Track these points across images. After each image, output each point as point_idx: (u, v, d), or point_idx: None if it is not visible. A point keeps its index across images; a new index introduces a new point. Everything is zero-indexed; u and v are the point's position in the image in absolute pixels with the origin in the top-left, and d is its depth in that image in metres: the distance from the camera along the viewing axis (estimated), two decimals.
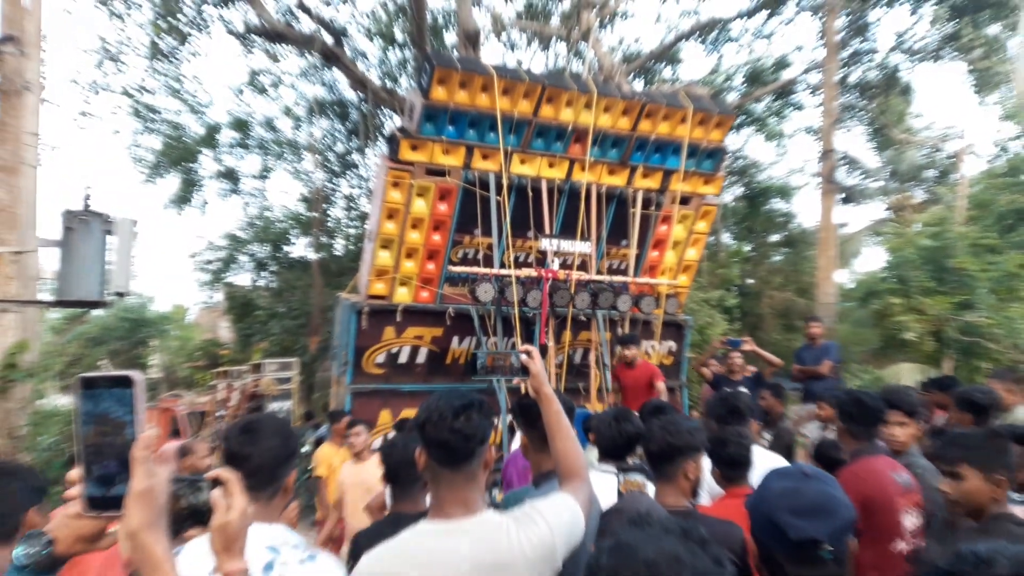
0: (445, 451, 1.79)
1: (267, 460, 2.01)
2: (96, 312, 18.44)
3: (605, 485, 2.91)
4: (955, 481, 2.54)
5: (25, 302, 7.50)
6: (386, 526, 2.79)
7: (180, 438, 12.14)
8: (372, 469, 5.75)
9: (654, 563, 1.07)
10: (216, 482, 1.39)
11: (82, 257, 6.07)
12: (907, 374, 11.89)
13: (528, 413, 2.43)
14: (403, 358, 7.39)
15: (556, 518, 1.79)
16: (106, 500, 1.22)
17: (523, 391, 2.28)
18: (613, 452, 3.12)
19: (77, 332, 19.77)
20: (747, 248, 20.21)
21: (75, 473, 1.26)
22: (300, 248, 20.01)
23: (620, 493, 2.76)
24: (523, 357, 2.22)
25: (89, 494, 1.24)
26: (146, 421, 1.24)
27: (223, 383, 14.03)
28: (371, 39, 18.03)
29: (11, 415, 7.47)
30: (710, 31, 18.55)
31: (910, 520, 2.99)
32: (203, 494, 1.38)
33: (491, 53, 19.76)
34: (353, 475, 5.65)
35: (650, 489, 2.74)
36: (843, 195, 18.91)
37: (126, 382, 1.23)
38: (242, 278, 20.38)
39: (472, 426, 1.79)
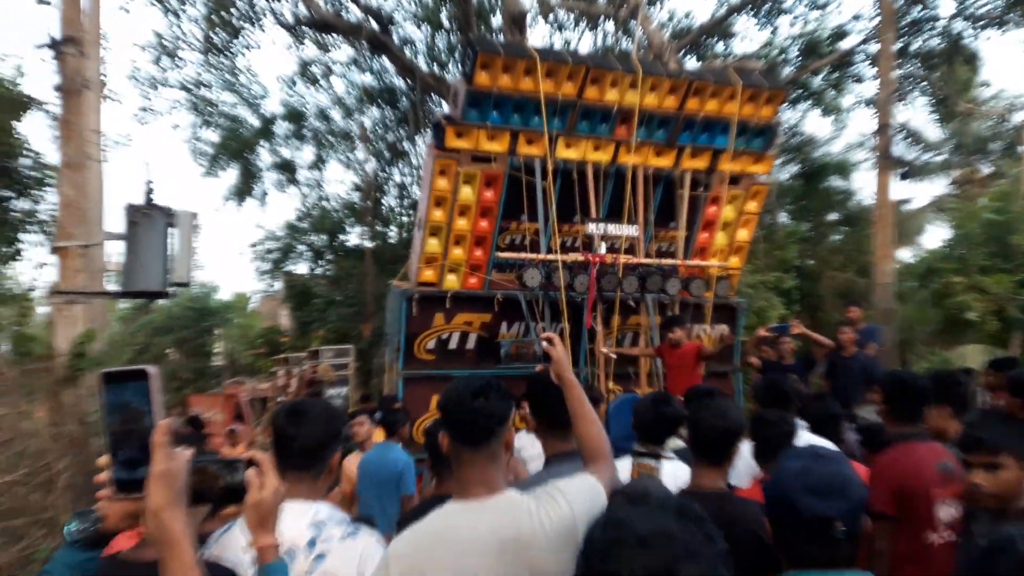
0: (466, 431, 1.86)
1: (312, 441, 2.14)
2: (162, 302, 19.12)
3: (672, 472, 2.94)
4: (992, 472, 2.40)
5: (92, 293, 7.83)
6: (430, 508, 2.86)
7: (243, 423, 12.52)
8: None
9: (646, 538, 1.10)
10: (251, 463, 1.52)
11: (145, 249, 6.31)
12: (973, 356, 11.52)
13: (538, 396, 2.46)
14: (453, 344, 7.47)
15: (577, 496, 1.82)
16: (131, 483, 1.34)
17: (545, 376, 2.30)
18: (653, 435, 3.13)
19: (143, 321, 20.50)
20: (804, 228, 19.69)
21: (104, 459, 1.38)
22: (355, 237, 20.33)
23: (632, 478, 2.78)
24: (545, 344, 2.25)
25: (117, 477, 1.36)
26: (162, 409, 1.36)
27: (283, 370, 14.40)
28: (418, 26, 18.11)
29: (81, 402, 7.81)
30: (763, 3, 18.03)
31: (946, 511, 2.85)
32: (239, 474, 1.52)
33: (538, 35, 19.65)
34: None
35: (674, 471, 2.74)
36: (902, 171, 18.28)
37: (143, 375, 1.35)
38: (300, 267, 20.83)
39: (491, 406, 1.85)
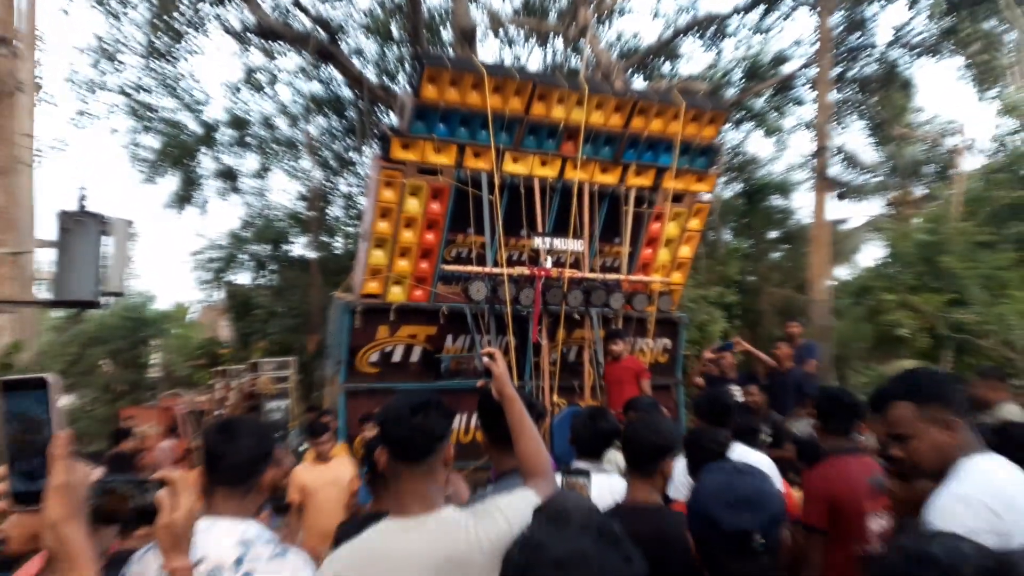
0: (405, 447, 1.85)
1: (242, 459, 2.10)
2: (96, 312, 18.49)
3: (608, 486, 2.95)
4: (903, 444, 2.45)
5: (20, 302, 7.54)
6: (367, 524, 2.83)
7: (179, 437, 12.18)
8: (343, 468, 5.81)
9: (562, 560, 1.11)
10: (162, 483, 1.45)
11: (77, 258, 6.09)
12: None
13: (487, 413, 2.46)
14: (397, 357, 7.40)
15: (515, 513, 1.82)
16: (29, 495, 1.28)
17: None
18: (590, 450, 3.16)
19: (76, 331, 19.80)
20: (747, 245, 20.16)
21: (1, 470, 1.32)
22: (299, 247, 20.05)
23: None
24: (486, 359, 2.26)
25: (14, 489, 1.31)
26: (62, 420, 1.31)
27: (221, 382, 14.08)
28: (367, 37, 18.03)
29: None
30: (708, 26, 18.50)
31: (878, 523, 2.92)
32: (149, 495, 1.45)
33: (488, 50, 19.75)
34: (320, 475, 5.69)
35: (610, 485, 2.76)
36: (838, 191, 18.86)
37: (42, 384, 1.31)
38: (243, 277, 20.45)
39: (431, 423, 1.86)
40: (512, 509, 1.84)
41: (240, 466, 2.10)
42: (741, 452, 3.46)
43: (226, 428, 2.18)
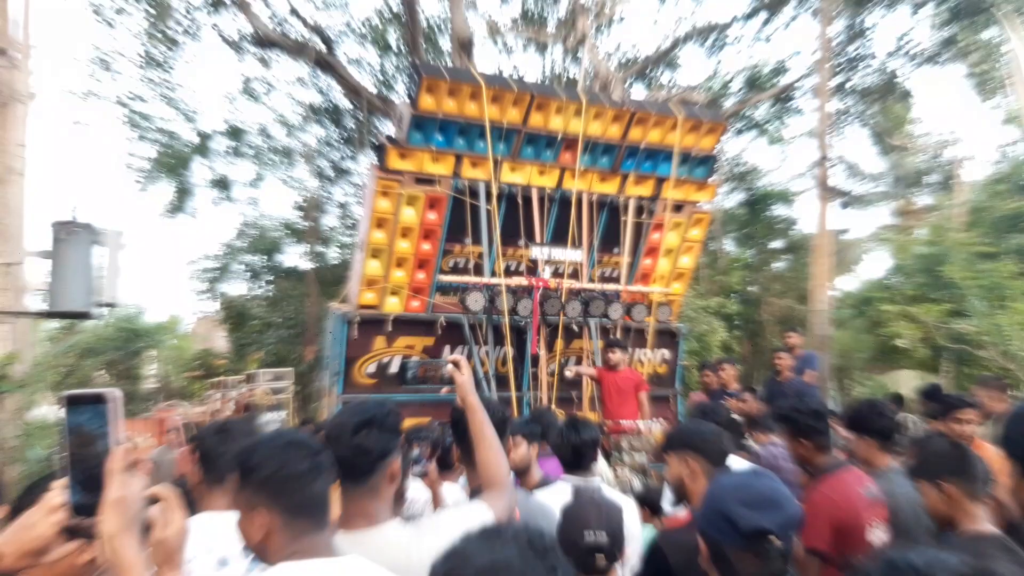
0: (346, 467, 1.84)
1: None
2: (91, 322, 18.41)
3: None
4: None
5: (13, 313, 7.45)
6: None
7: (176, 448, 12.07)
8: None
9: (484, 570, 1.10)
10: (155, 499, 1.47)
11: (70, 268, 6.02)
12: (906, 381, 11.83)
13: (460, 426, 2.43)
14: (394, 368, 7.32)
15: (463, 527, 1.77)
16: (86, 507, 1.35)
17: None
18: (574, 463, 3.05)
19: (70, 343, 19.71)
20: (748, 255, 20.10)
21: (60, 482, 1.38)
22: (295, 257, 19.98)
23: None
24: (450, 368, 2.25)
25: (73, 500, 1.37)
26: (120, 434, 1.38)
27: (218, 393, 13.99)
28: (363, 46, 18.01)
29: (2, 427, 7.41)
30: (708, 35, 18.48)
31: (876, 535, 2.86)
32: (142, 511, 1.46)
33: (486, 58, 19.71)
34: None
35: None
36: (841, 201, 18.83)
37: (102, 399, 1.38)
38: (238, 287, 20.38)
39: (371, 442, 1.85)
40: (461, 523, 1.79)
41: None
42: (734, 461, 3.37)
43: (222, 430, 2.33)
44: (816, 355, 8.26)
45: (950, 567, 1.13)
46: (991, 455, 3.16)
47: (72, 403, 1.38)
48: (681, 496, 2.66)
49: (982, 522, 2.45)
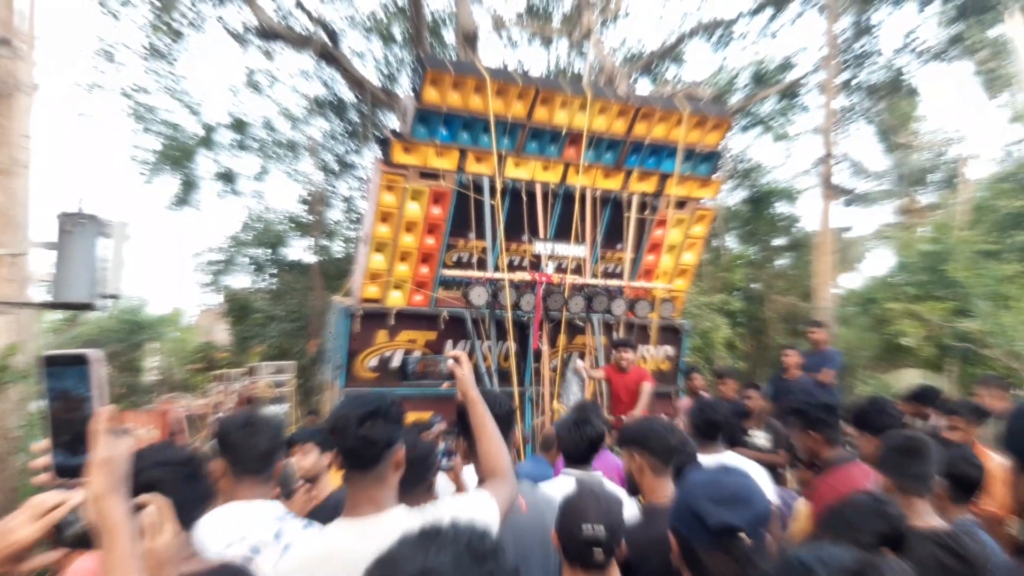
0: (352, 456, 1.90)
1: (263, 449, 2.40)
2: (94, 314, 18.44)
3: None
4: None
5: (17, 304, 7.46)
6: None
7: (177, 440, 12.09)
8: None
9: None
10: (140, 506, 1.46)
11: (75, 260, 6.03)
12: (910, 380, 11.80)
13: (465, 420, 2.45)
14: (396, 362, 7.32)
15: (465, 513, 1.84)
16: (71, 468, 1.36)
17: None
18: (577, 457, 3.07)
19: (73, 335, 19.75)
20: (752, 251, 20.05)
21: (44, 443, 1.40)
22: (299, 250, 19.97)
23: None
24: (450, 363, 2.33)
25: (57, 463, 1.38)
26: (104, 395, 1.38)
27: (219, 386, 14.01)
28: (368, 39, 17.97)
29: (5, 417, 7.43)
30: (714, 30, 18.41)
31: None
32: (132, 519, 1.45)
33: (491, 52, 19.67)
34: None
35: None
36: (844, 198, 18.76)
37: (83, 360, 1.37)
38: (241, 280, 20.38)
39: (376, 432, 1.88)
40: (464, 510, 1.86)
41: (263, 456, 2.38)
42: (732, 457, 3.38)
43: (248, 423, 2.44)
44: (838, 354, 8.10)
45: (840, 563, 1.14)
46: (993, 465, 3.16)
47: (52, 364, 1.36)
48: (635, 490, 2.74)
49: (930, 517, 2.43)
